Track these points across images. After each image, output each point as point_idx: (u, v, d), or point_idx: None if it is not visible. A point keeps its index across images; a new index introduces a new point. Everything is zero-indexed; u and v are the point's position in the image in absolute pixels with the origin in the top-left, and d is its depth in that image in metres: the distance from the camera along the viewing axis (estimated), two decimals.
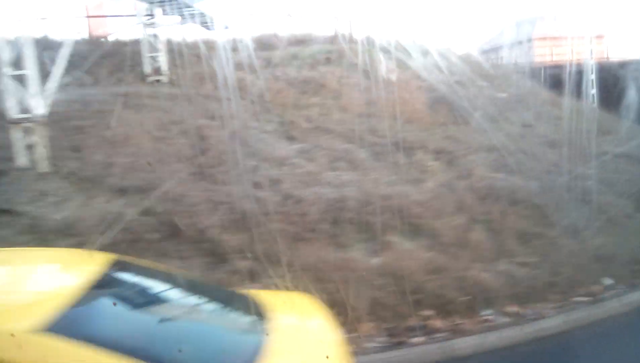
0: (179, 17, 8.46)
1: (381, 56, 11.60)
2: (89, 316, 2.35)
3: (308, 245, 5.31)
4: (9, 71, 5.34)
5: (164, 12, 8.58)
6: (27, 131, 5.44)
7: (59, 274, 2.79)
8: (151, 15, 8.39)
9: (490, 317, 4.71)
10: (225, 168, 6.44)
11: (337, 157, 7.22)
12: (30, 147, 5.45)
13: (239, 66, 9.44)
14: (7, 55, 5.31)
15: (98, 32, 13.54)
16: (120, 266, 2.81)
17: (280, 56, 10.59)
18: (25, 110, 5.40)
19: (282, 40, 11.46)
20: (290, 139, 7.70)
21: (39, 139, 5.44)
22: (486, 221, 6.05)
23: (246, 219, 5.48)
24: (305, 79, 9.97)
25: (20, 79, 5.36)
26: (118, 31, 13.79)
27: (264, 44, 11.20)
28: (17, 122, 5.43)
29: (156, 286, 3.00)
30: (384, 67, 11.34)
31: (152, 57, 8.46)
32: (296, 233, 5.46)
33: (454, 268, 5.16)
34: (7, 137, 5.57)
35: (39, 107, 5.39)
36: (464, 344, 4.17)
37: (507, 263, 5.48)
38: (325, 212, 5.80)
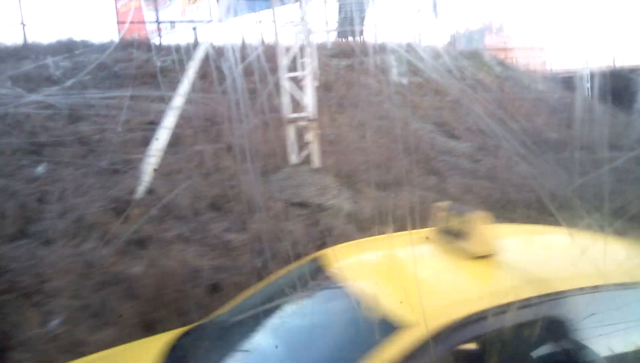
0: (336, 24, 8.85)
1: (464, 62, 12.52)
2: None
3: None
4: (285, 73, 5.61)
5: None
6: (300, 130, 5.72)
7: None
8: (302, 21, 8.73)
9: None
10: (436, 162, 6.99)
11: (508, 153, 7.94)
12: (303, 144, 5.72)
13: (367, 71, 9.99)
14: (286, 59, 5.60)
15: (129, 36, 13.48)
16: None
17: (382, 63, 11.18)
18: (297, 110, 5.69)
19: (371, 47, 12.06)
20: (456, 138, 8.33)
21: (312, 137, 5.73)
22: None
23: (499, 206, 6.08)
24: (417, 85, 10.64)
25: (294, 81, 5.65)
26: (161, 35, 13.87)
27: (357, 51, 11.76)
28: (292, 121, 5.70)
29: None
30: (470, 71, 12.25)
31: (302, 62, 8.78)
32: (543, 219, 6.10)
33: None
34: (279, 135, 5.82)
35: (312, 107, 5.69)
36: None
37: None
38: (548, 200, 6.49)
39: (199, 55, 5.42)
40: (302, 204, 5.45)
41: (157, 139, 5.11)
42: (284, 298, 2.68)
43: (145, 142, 6.27)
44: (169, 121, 5.29)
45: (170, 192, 5.38)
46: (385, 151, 6.80)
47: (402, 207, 5.54)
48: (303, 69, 5.88)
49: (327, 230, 5.13)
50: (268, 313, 2.63)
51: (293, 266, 3.14)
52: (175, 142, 5.76)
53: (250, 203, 5.41)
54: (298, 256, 4.79)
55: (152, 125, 6.38)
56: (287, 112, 5.72)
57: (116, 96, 7.24)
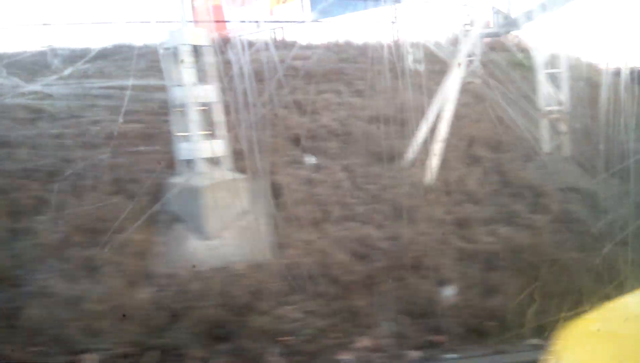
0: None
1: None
2: None
3: None
4: (543, 70, 6.12)
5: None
6: (553, 121, 6.20)
7: None
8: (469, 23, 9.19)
9: None
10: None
11: None
12: (555, 135, 6.21)
13: (513, 67, 10.46)
14: (542, 58, 6.09)
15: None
16: None
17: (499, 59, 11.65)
18: (550, 103, 6.21)
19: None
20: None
21: (564, 128, 6.20)
22: None
23: None
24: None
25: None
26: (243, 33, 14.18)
27: None
28: (546, 113, 6.17)
29: None
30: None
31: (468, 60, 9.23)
32: None
33: None
34: (527, 126, 6.26)
35: (566, 99, 6.20)
36: None
37: None
38: None
39: (464, 48, 5.87)
40: (569, 189, 5.88)
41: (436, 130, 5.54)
42: None
43: (393, 134, 6.65)
44: (447, 114, 5.71)
45: (451, 179, 5.79)
46: (595, 142, 7.26)
47: None
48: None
49: (604, 211, 5.57)
50: None
51: None
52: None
53: (529, 187, 5.85)
54: (607, 235, 5.22)
55: (381, 116, 6.80)
56: (543, 105, 6.19)
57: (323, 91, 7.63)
